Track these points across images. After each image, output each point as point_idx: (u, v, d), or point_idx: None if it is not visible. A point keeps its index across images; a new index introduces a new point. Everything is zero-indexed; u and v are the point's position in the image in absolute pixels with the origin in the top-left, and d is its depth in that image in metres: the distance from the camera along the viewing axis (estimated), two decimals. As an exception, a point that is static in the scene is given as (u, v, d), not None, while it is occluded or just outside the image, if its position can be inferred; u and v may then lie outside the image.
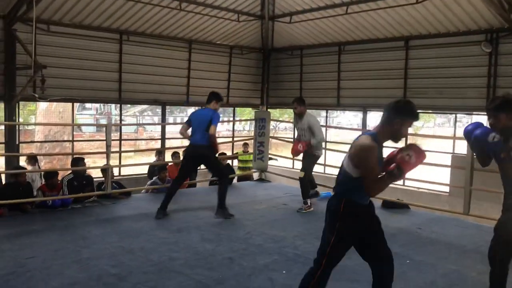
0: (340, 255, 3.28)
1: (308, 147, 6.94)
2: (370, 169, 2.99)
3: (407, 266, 4.67)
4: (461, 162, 7.37)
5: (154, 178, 8.35)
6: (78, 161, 7.43)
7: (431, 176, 8.63)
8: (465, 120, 28.29)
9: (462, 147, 6.71)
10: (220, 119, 6.78)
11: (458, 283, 4.30)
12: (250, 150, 10.32)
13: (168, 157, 10.88)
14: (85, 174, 7.50)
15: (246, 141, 11.58)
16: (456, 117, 12.64)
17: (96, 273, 4.29)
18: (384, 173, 3.07)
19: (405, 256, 4.97)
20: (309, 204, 7.03)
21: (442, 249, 5.28)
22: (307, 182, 7.16)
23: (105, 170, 7.30)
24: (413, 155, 3.00)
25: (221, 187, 6.59)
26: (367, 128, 12.94)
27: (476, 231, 6.11)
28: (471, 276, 4.45)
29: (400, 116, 3.05)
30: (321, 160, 11.82)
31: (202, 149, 6.45)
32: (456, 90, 10.63)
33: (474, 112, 12.52)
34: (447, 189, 10.62)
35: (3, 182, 7.91)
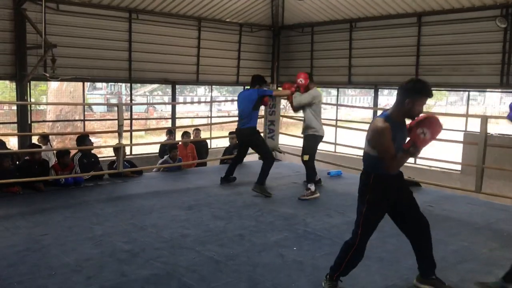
0: (374, 224, 3.46)
1: (305, 129, 6.77)
2: (384, 150, 3.20)
3: (417, 243, 4.67)
4: (474, 140, 7.30)
5: (165, 156, 8.40)
6: (83, 139, 7.48)
7: (443, 154, 8.60)
8: (480, 98, 27.82)
9: (475, 125, 6.64)
10: (225, 98, 6.85)
11: (469, 259, 4.30)
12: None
13: (178, 136, 10.92)
14: (91, 151, 7.57)
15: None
16: (469, 94, 12.48)
17: (109, 249, 4.36)
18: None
19: (416, 233, 4.97)
20: (312, 189, 6.49)
21: (453, 226, 5.28)
22: (313, 165, 6.74)
23: (118, 149, 7.36)
24: (428, 131, 3.11)
25: (264, 164, 6.75)
26: (379, 107, 12.84)
27: (487, 208, 6.09)
28: (482, 252, 4.46)
29: (411, 95, 3.17)
30: (331, 139, 11.81)
31: (245, 133, 6.81)
32: (469, 67, 10.47)
33: (487, 90, 12.37)
34: (458, 167, 10.56)
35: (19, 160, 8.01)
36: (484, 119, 6.33)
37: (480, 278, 3.81)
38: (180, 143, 9.12)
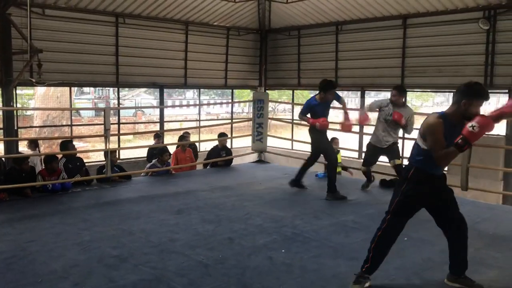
0: (404, 215, 3.63)
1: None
2: (435, 142, 3.38)
3: (404, 243, 4.71)
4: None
5: (154, 161, 8.38)
6: (67, 144, 7.44)
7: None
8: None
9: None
10: (214, 101, 6.86)
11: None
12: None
13: (166, 140, 10.89)
14: (76, 155, 7.53)
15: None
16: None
17: (97, 255, 4.34)
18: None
19: (403, 233, 4.94)
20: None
21: (440, 226, 5.33)
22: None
23: (106, 153, 7.33)
24: (478, 126, 3.21)
25: (328, 171, 6.91)
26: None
27: (473, 208, 6.16)
28: (469, 252, 4.49)
29: (466, 97, 3.37)
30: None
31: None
32: (454, 68, 10.59)
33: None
34: (445, 167, 10.64)
35: (6, 167, 7.93)
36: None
37: (469, 276, 3.85)
38: (178, 147, 9.09)
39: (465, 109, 3.36)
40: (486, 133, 3.28)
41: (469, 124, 3.25)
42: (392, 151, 6.81)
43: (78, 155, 7.72)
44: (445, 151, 3.35)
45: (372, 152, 6.98)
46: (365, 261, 3.68)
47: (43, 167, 7.25)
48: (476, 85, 3.43)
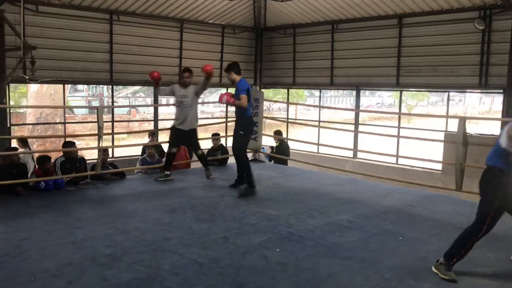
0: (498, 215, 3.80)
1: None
2: None
3: (398, 242, 4.73)
4: (454, 140, 7.41)
5: (145, 155, 8.50)
6: (69, 145, 7.40)
7: (424, 155, 8.70)
8: (457, 98, 28.31)
9: (455, 125, 6.74)
10: (208, 100, 6.95)
11: (450, 258, 4.35)
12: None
13: (161, 138, 10.85)
14: (77, 157, 7.46)
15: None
16: (449, 95, 12.65)
17: (91, 253, 4.31)
18: None
19: (397, 233, 5.03)
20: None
21: (434, 226, 5.34)
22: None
23: (99, 151, 7.29)
24: None
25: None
26: (360, 108, 12.96)
27: (468, 208, 6.17)
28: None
29: None
30: (314, 139, 11.86)
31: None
32: (449, 68, 10.62)
33: (467, 90, 12.56)
34: (440, 167, 10.70)
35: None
36: (462, 120, 6.44)
37: (461, 276, 3.86)
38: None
39: None
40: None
41: None
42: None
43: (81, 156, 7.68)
44: None
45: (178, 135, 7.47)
46: (453, 255, 3.84)
47: (37, 167, 7.19)
48: None
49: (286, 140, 10.25)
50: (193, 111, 7.45)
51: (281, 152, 9.76)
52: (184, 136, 7.47)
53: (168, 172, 7.54)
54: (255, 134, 9.43)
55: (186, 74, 7.35)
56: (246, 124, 6.80)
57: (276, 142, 9.98)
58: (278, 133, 10.08)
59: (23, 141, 8.74)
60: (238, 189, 6.85)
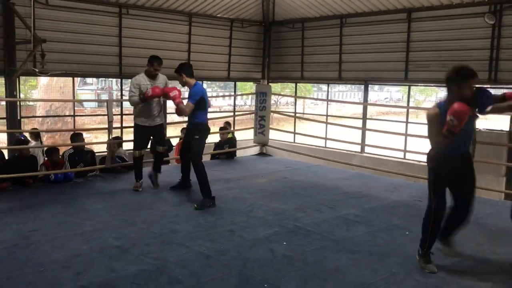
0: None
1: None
2: (432, 131, 3.75)
3: (405, 237, 4.73)
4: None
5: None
6: (76, 136, 7.46)
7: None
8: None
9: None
10: (216, 94, 6.77)
11: (456, 253, 4.35)
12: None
13: (169, 132, 10.88)
14: (85, 149, 7.53)
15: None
16: (458, 90, 12.54)
17: (99, 245, 4.35)
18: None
19: (404, 227, 5.03)
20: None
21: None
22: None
23: (109, 145, 7.35)
24: (454, 118, 3.50)
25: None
26: (368, 102, 12.90)
27: (476, 203, 6.15)
28: (470, 246, 4.51)
29: (452, 82, 3.68)
30: (321, 134, 11.85)
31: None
32: (458, 63, 10.48)
33: (476, 86, 12.44)
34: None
35: (6, 157, 7.95)
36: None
37: (468, 271, 3.86)
38: (181, 139, 9.09)
39: (458, 93, 3.63)
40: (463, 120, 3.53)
41: (448, 118, 3.53)
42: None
43: (89, 149, 7.74)
44: (441, 140, 3.69)
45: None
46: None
47: (46, 159, 7.27)
48: (457, 68, 3.71)
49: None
50: (160, 106, 6.67)
51: (234, 144, 9.64)
52: (150, 133, 6.61)
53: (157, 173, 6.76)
54: (262, 128, 9.45)
55: (155, 64, 6.66)
56: (201, 129, 6.08)
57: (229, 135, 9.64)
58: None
59: (35, 134, 8.82)
60: (195, 202, 5.90)
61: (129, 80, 7.38)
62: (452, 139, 3.65)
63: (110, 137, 7.41)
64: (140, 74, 6.60)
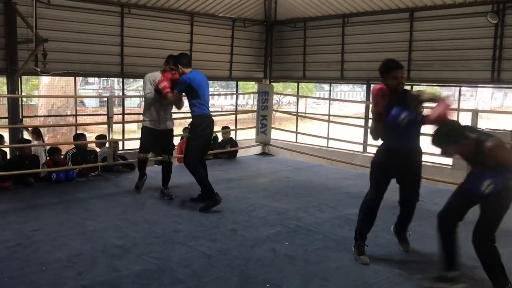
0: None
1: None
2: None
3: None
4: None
5: None
6: (79, 137, 7.50)
7: (434, 149, 8.62)
8: (469, 93, 28.00)
9: (467, 120, 6.68)
10: (224, 92, 6.64)
11: (460, 253, 4.33)
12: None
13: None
14: (87, 149, 7.55)
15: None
16: (460, 90, 12.53)
17: (101, 244, 4.35)
18: None
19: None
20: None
21: (444, 221, 5.31)
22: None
23: (109, 143, 7.35)
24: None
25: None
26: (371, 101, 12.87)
27: (478, 203, 6.13)
28: (472, 246, 4.48)
29: (382, 75, 4.10)
30: (323, 133, 11.84)
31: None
32: (461, 62, 10.50)
33: (479, 85, 12.42)
34: (450, 162, 10.61)
35: (8, 156, 7.96)
36: (475, 114, 6.38)
37: (469, 272, 3.85)
38: (182, 138, 9.09)
39: (387, 85, 4.05)
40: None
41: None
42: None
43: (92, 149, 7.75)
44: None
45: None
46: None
47: (48, 158, 7.28)
48: (382, 64, 4.16)
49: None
50: (170, 108, 6.26)
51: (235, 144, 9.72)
52: (157, 137, 6.14)
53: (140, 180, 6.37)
54: (264, 128, 9.43)
55: (172, 63, 6.10)
56: (196, 124, 5.62)
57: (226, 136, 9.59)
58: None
59: (36, 133, 8.83)
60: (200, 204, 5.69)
61: (131, 79, 7.35)
62: (391, 135, 3.94)
63: (111, 134, 7.42)
64: (155, 72, 6.23)
